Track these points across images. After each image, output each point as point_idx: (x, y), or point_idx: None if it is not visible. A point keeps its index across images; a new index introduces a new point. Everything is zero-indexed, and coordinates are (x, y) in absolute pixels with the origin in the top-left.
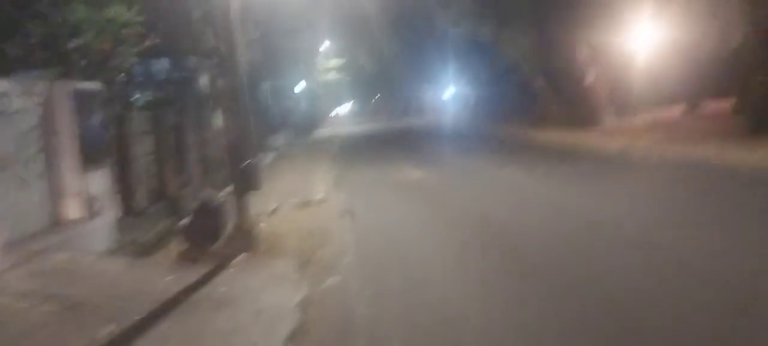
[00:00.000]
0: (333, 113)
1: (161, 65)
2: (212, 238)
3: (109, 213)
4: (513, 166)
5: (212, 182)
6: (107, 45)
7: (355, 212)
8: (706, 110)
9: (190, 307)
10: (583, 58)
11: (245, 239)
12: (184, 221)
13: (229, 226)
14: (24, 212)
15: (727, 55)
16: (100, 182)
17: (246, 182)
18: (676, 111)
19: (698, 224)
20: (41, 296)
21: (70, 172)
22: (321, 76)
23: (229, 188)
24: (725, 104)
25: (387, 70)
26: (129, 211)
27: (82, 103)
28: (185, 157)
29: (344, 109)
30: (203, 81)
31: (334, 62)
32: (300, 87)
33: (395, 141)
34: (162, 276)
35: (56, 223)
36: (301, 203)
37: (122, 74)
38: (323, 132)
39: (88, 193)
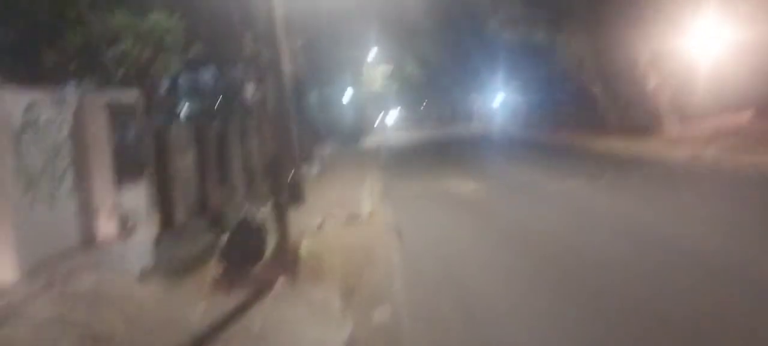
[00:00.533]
0: (380, 121)
1: (207, 74)
2: (252, 259)
3: (146, 230)
4: (574, 179)
5: (257, 195)
6: (147, 53)
7: (403, 229)
8: None
9: (222, 343)
10: (644, 62)
11: (287, 261)
12: (223, 240)
13: (271, 244)
14: (53, 230)
15: None
16: (136, 197)
17: (288, 195)
18: (742, 117)
19: None
20: (62, 326)
21: (102, 187)
22: (368, 85)
23: (275, 202)
24: None
25: (435, 77)
26: (168, 226)
27: (118, 114)
28: (229, 169)
29: (391, 117)
30: (249, 90)
31: (382, 70)
32: (347, 95)
33: (444, 150)
34: (195, 304)
35: (87, 241)
36: (348, 217)
37: (165, 83)
38: (370, 141)
39: (122, 209)
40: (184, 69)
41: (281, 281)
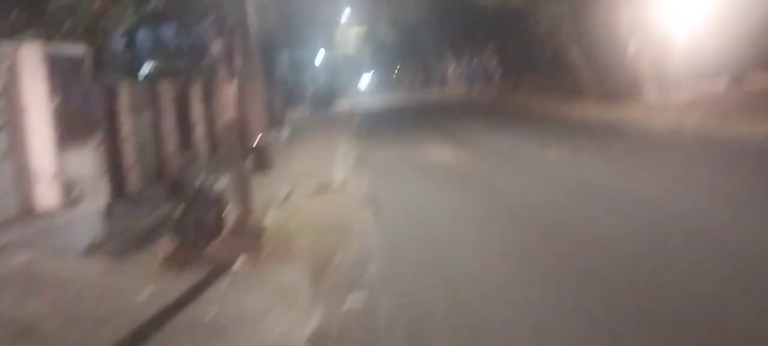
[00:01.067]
0: (353, 85)
1: (170, 30)
2: (208, 234)
3: (95, 199)
4: (556, 146)
5: (222, 161)
6: (98, 4)
7: (379, 200)
8: (751, 84)
9: (167, 338)
10: (624, 28)
11: (248, 236)
12: (176, 213)
13: (233, 217)
14: None
15: None
16: (83, 162)
17: (254, 162)
18: (717, 84)
19: None
20: None
21: (42, 151)
22: (341, 47)
23: (237, 169)
24: None
25: (409, 39)
26: (120, 194)
27: (62, 69)
28: (191, 133)
29: (365, 81)
30: (215, 48)
31: (355, 32)
32: (319, 58)
33: (419, 115)
34: (142, 287)
35: (25, 213)
36: (318, 187)
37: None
38: (343, 104)
39: (67, 176)
40: (143, 24)
41: (241, 260)
